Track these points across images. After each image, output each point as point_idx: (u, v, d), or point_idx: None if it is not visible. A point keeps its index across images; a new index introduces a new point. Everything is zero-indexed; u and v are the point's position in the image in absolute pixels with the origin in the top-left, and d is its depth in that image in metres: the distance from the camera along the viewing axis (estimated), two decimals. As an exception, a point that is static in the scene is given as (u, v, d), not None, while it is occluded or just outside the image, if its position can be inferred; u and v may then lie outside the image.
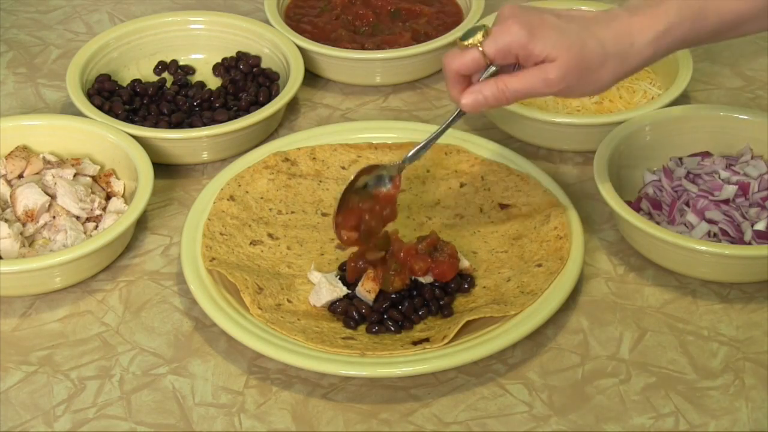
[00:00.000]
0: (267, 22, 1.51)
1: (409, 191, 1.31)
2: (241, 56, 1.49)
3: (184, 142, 1.35)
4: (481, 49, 1.11)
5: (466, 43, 1.12)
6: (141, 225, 1.29)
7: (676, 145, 1.32)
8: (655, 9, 1.12)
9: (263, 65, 1.48)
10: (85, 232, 1.25)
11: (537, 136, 1.38)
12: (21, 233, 1.24)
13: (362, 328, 1.15)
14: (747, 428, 1.07)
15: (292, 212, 1.29)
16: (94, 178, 1.31)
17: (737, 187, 1.26)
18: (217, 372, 1.13)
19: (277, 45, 1.47)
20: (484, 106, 1.13)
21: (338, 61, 1.48)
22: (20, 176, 1.30)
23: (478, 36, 1.12)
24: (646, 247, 1.22)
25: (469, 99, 1.13)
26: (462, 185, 1.31)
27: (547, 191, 1.27)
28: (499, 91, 1.12)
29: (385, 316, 1.16)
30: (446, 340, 1.12)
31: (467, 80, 1.14)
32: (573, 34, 1.10)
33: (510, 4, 1.13)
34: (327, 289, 1.17)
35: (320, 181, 1.32)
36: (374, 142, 1.35)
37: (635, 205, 1.26)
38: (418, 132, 1.35)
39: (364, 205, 1.17)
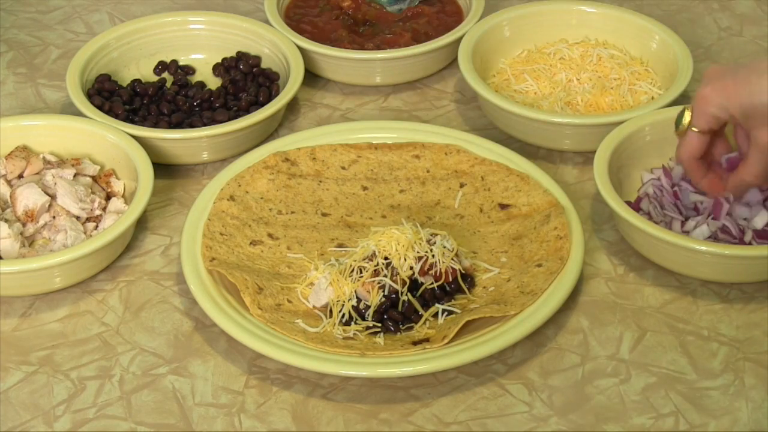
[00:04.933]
0: (267, 22, 1.51)
1: (409, 191, 1.31)
2: (241, 56, 1.49)
3: (184, 142, 1.35)
4: (695, 129, 1.15)
5: (678, 131, 1.18)
6: (141, 225, 1.29)
7: (676, 145, 1.32)
8: None
9: (263, 65, 1.48)
10: (85, 232, 1.25)
11: (537, 136, 1.38)
12: (21, 233, 1.24)
13: (362, 328, 1.15)
14: (747, 428, 1.07)
15: (292, 212, 1.29)
16: (94, 178, 1.31)
17: (737, 187, 1.26)
18: (217, 372, 1.13)
19: (277, 45, 1.47)
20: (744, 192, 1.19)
21: (338, 61, 1.48)
22: (20, 176, 1.30)
23: (686, 118, 1.17)
24: (646, 247, 1.22)
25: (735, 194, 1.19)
26: (462, 185, 1.31)
27: (547, 191, 1.27)
28: (741, 185, 1.16)
29: (385, 316, 1.16)
30: (446, 340, 1.12)
31: (705, 161, 1.18)
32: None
33: (712, 68, 1.14)
34: (327, 289, 1.17)
35: (320, 181, 1.32)
36: (374, 142, 1.35)
37: (635, 205, 1.26)
38: (418, 132, 1.36)
39: None
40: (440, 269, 1.17)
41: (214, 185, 1.29)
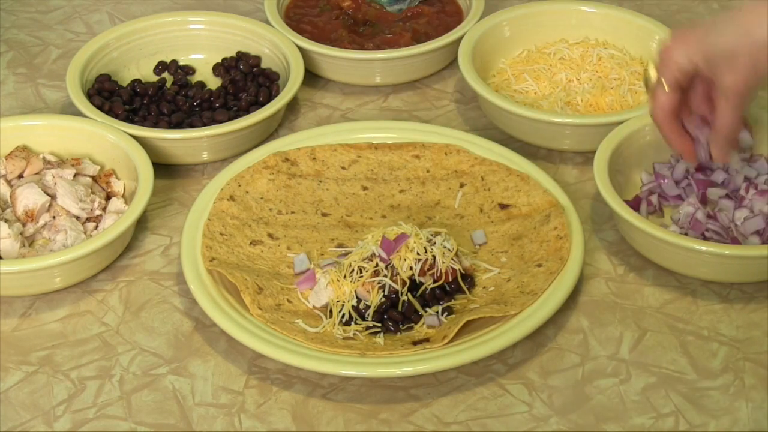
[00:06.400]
0: (267, 22, 1.51)
1: (409, 191, 1.31)
2: (241, 56, 1.49)
3: (184, 142, 1.35)
4: (664, 85, 1.16)
5: (648, 89, 1.19)
6: (141, 225, 1.29)
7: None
8: None
9: (263, 65, 1.48)
10: (85, 232, 1.25)
11: (537, 136, 1.38)
12: (21, 233, 1.24)
13: (362, 328, 1.15)
14: (747, 428, 1.07)
15: (292, 212, 1.29)
16: (94, 178, 1.31)
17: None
18: (217, 372, 1.13)
19: (277, 45, 1.47)
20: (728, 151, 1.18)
21: (338, 61, 1.48)
22: (20, 176, 1.30)
23: (652, 73, 1.17)
24: (646, 247, 1.22)
25: (720, 154, 1.18)
26: (462, 185, 1.31)
27: (547, 191, 1.27)
28: (721, 142, 1.17)
29: (385, 316, 1.16)
30: (446, 340, 1.12)
31: (680, 124, 1.19)
32: (728, 32, 1.11)
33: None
34: (327, 289, 1.17)
35: (320, 181, 1.32)
36: (374, 142, 1.35)
37: (635, 205, 1.26)
38: (418, 132, 1.36)
39: None
40: (440, 269, 1.17)
41: (214, 185, 1.29)
